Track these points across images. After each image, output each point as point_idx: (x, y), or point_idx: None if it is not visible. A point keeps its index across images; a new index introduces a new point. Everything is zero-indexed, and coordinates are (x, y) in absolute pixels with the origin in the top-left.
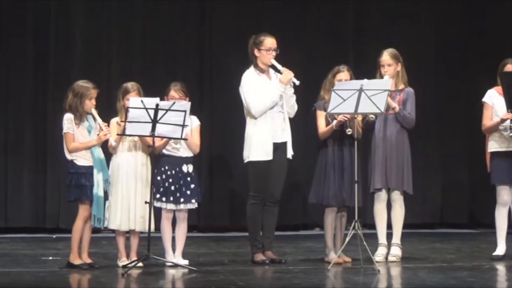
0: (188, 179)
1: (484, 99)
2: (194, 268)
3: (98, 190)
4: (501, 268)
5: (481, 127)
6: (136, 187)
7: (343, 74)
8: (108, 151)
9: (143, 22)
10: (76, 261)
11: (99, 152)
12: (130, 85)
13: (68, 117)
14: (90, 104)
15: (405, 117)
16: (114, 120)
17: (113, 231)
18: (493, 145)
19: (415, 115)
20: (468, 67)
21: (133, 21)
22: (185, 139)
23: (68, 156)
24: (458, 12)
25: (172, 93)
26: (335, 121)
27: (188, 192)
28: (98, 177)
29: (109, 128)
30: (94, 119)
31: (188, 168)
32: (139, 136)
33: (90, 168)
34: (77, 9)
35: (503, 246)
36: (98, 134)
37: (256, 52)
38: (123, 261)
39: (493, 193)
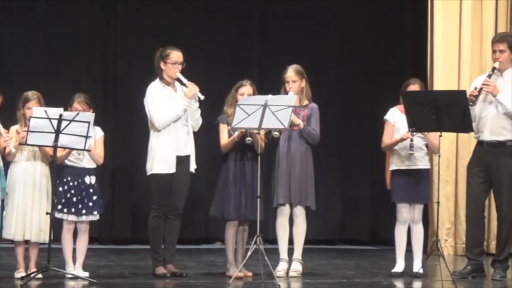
0: (91, 190)
1: (386, 117)
2: (95, 281)
3: None
4: (399, 285)
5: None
6: (33, 197)
7: (246, 88)
8: (5, 160)
9: (47, 31)
10: None
11: None
12: (30, 93)
13: None
14: None
15: (309, 133)
16: (14, 128)
17: (12, 241)
18: (394, 163)
19: (319, 130)
20: (371, 85)
21: (37, 30)
22: (88, 150)
23: None
24: (362, 31)
25: (76, 104)
26: (236, 133)
27: (90, 204)
28: None
29: (10, 135)
30: None
31: (90, 179)
32: (42, 146)
33: None
34: None
35: (402, 263)
36: None
37: (162, 65)
38: (20, 272)
39: (393, 210)
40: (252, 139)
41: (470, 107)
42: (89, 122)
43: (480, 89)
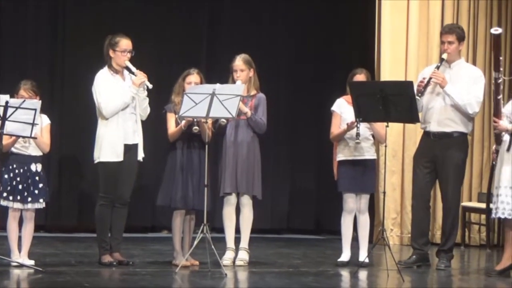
0: (36, 178)
1: (332, 108)
2: (40, 269)
3: None
4: (345, 274)
5: (329, 135)
6: None
7: (193, 77)
8: None
9: None
10: None
11: None
12: None
13: None
14: None
15: (256, 122)
16: None
17: None
18: (341, 154)
19: (267, 120)
20: (319, 75)
21: None
22: (35, 138)
23: None
24: (310, 21)
25: (22, 92)
26: (183, 122)
27: (36, 192)
28: None
29: None
30: None
31: (36, 167)
32: None
33: None
34: None
35: (348, 253)
36: None
37: (111, 52)
38: None
39: (339, 200)
40: (199, 128)
41: (418, 98)
42: (35, 110)
43: (429, 80)
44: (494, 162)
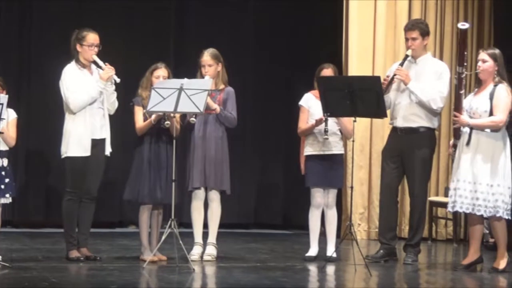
0: (3, 173)
1: (300, 103)
2: (7, 264)
3: None
4: (313, 268)
5: (297, 129)
6: None
7: (161, 71)
8: None
9: None
10: None
11: None
12: None
13: None
14: None
15: (226, 117)
16: None
17: None
18: (309, 149)
19: (236, 114)
20: (286, 70)
21: None
22: (1, 133)
23: None
24: (278, 15)
25: None
26: (153, 115)
27: (2, 187)
28: None
29: None
30: None
31: (2, 161)
32: None
33: None
34: None
35: (316, 247)
36: None
37: (78, 47)
38: None
39: (307, 195)
40: (170, 122)
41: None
42: (2, 104)
43: (393, 77)
44: (452, 158)
